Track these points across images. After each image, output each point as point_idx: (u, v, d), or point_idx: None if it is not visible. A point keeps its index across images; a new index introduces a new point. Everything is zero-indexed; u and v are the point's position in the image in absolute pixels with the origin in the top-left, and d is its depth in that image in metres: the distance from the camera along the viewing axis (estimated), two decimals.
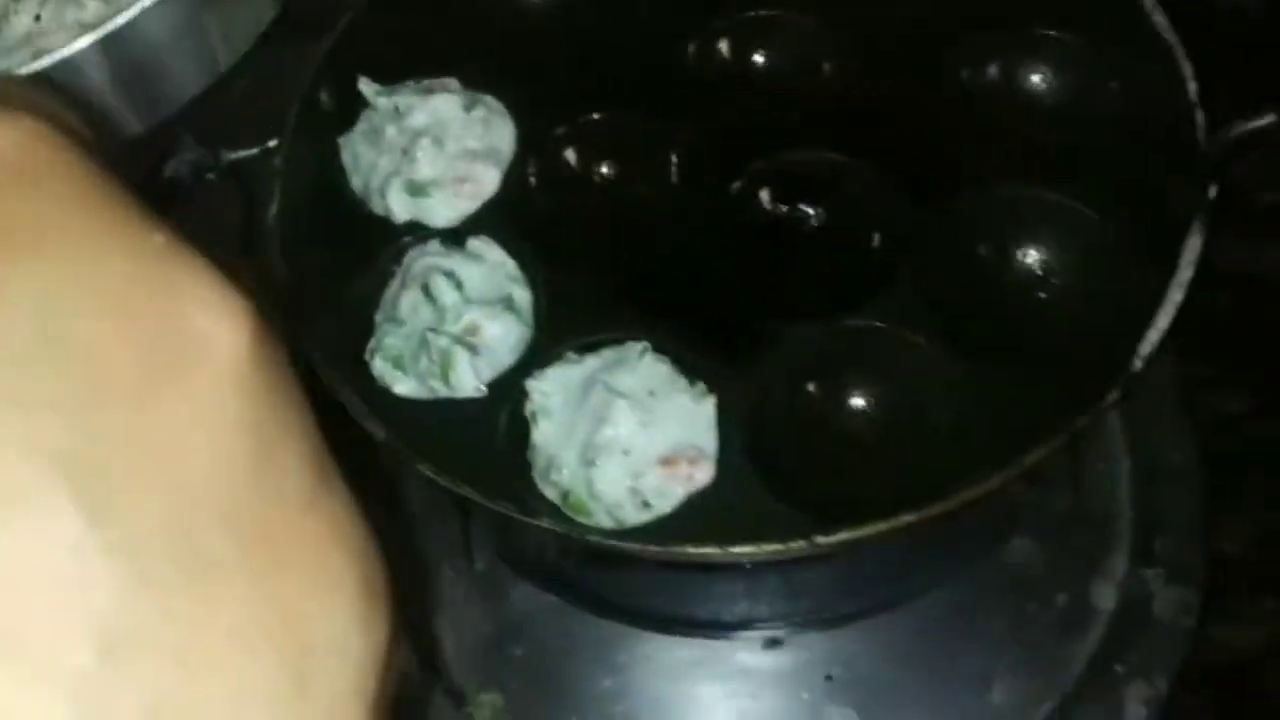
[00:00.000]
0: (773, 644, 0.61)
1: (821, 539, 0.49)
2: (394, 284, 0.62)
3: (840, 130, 0.61)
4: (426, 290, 0.60)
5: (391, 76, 0.67)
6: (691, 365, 0.56)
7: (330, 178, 0.65)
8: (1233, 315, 0.79)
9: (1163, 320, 0.51)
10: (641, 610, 0.62)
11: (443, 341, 0.58)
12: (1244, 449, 0.75)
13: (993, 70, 0.62)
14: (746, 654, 0.61)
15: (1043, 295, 0.57)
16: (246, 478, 0.23)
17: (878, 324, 0.56)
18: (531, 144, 0.64)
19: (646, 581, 0.62)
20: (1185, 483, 0.62)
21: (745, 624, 0.61)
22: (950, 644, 0.60)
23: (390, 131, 0.65)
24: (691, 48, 0.65)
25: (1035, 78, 0.62)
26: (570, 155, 0.64)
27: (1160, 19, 0.59)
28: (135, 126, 0.69)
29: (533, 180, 0.63)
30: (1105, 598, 0.58)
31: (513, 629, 0.63)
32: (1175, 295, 0.52)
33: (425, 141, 0.63)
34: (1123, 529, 0.61)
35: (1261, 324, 0.79)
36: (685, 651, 0.61)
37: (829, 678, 0.60)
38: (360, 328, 0.61)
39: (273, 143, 0.65)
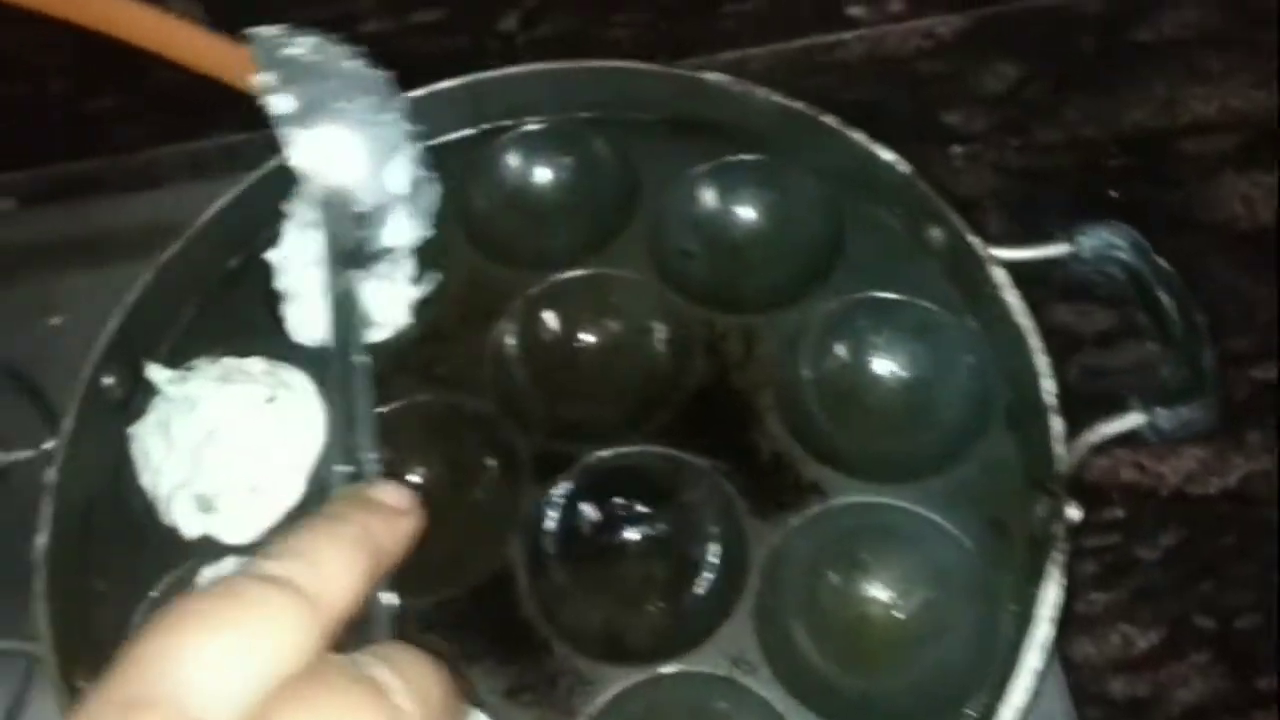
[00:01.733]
0: None
1: None
2: None
3: (672, 423, 0.55)
4: None
5: (186, 353, 0.61)
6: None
7: (115, 478, 0.59)
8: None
9: (1018, 696, 0.45)
10: None
11: None
12: None
13: (838, 349, 0.57)
14: None
15: (895, 632, 0.51)
16: None
17: (714, 672, 0.50)
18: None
19: None
20: None
21: None
22: None
23: (180, 427, 0.58)
24: (510, 321, 0.59)
25: (880, 360, 0.56)
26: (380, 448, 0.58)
27: (1014, 300, 0.53)
28: None
29: None
30: None
31: None
32: (1032, 661, 0.46)
33: (218, 448, 0.57)
34: None
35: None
36: None
37: None
38: None
39: (49, 444, 0.58)
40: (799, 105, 0.61)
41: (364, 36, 0.94)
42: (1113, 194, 0.86)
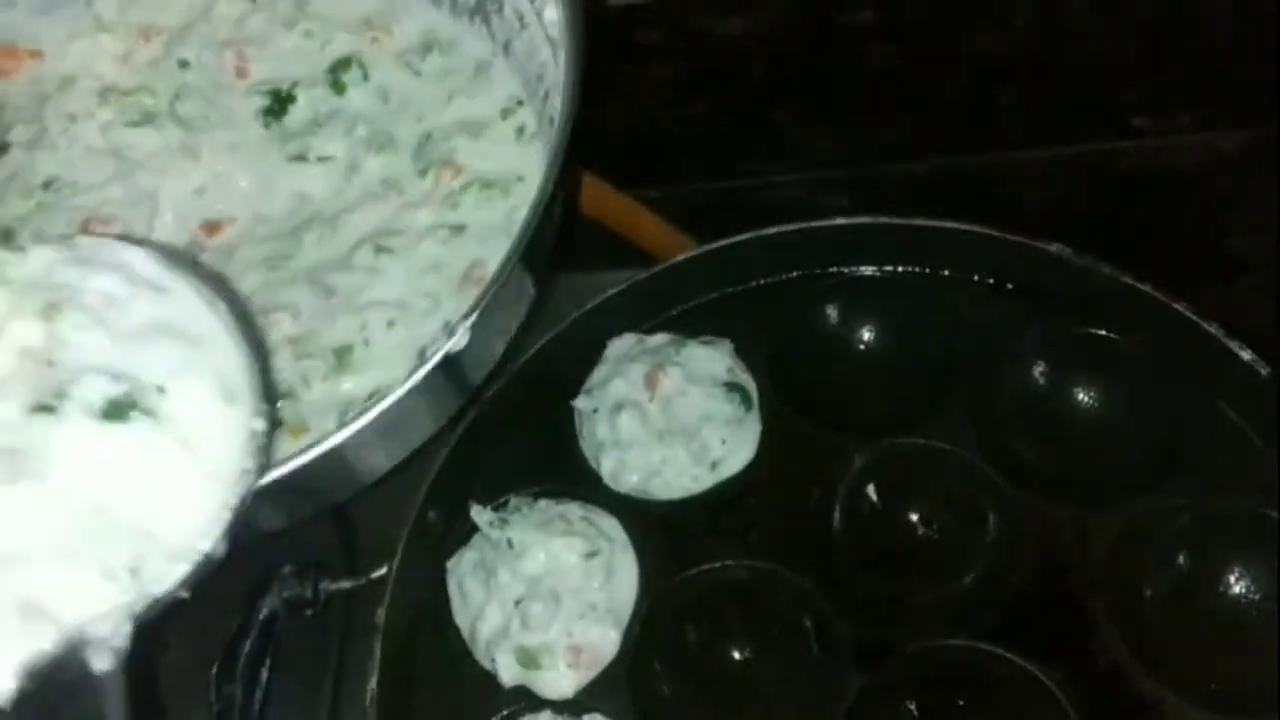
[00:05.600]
0: None
1: None
2: None
3: (1000, 618, 0.55)
4: None
5: (500, 488, 0.62)
6: None
7: (433, 614, 0.60)
8: None
9: None
10: None
11: None
12: None
13: (1180, 560, 0.55)
14: None
15: None
16: None
17: None
18: (655, 597, 0.58)
19: None
20: None
21: None
22: None
23: (503, 575, 0.59)
24: (830, 490, 0.58)
25: (1227, 576, 0.54)
26: (698, 613, 0.58)
27: None
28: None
29: (658, 661, 0.57)
30: None
31: None
32: None
33: (540, 602, 0.57)
34: None
35: None
36: None
37: None
38: None
39: (377, 573, 0.60)
40: (1146, 288, 0.59)
41: (626, 125, 0.95)
42: None
